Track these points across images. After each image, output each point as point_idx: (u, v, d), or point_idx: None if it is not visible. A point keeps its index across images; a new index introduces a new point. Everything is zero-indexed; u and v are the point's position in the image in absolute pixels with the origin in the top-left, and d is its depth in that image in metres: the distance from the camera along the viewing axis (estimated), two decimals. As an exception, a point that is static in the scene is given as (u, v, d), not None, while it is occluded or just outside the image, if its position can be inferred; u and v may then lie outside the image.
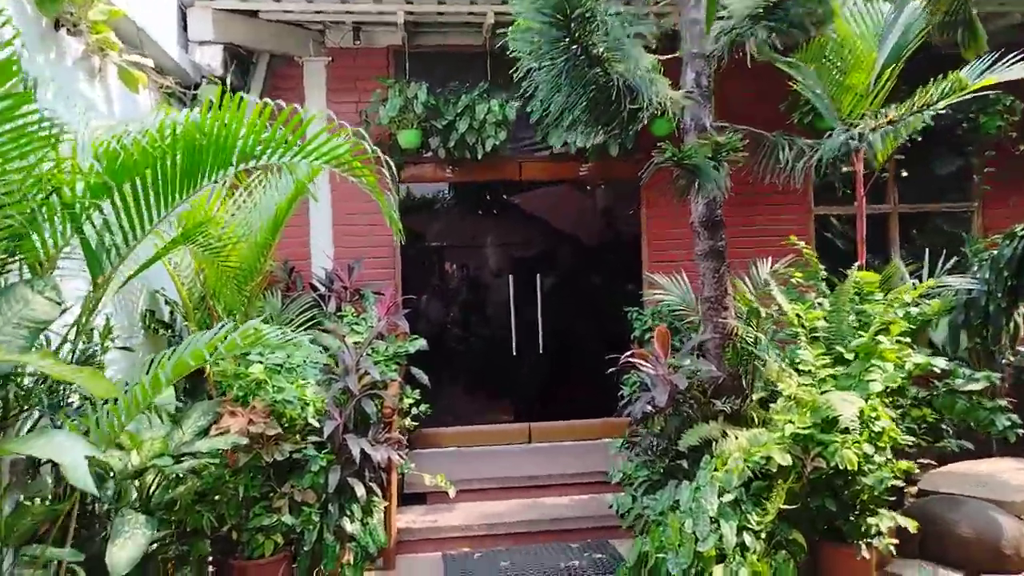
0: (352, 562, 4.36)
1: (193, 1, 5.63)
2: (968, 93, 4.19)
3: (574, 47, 3.92)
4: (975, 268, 5.16)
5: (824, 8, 4.17)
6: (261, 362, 4.15)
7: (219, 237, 3.88)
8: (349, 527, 4.27)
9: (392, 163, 6.31)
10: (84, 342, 3.37)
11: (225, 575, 4.09)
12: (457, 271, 7.11)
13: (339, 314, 5.64)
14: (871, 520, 3.94)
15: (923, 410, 4.60)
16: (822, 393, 4.06)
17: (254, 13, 5.89)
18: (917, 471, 4.27)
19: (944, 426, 4.83)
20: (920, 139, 5.29)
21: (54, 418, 3.05)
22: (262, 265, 4.65)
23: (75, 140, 3.03)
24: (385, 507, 4.69)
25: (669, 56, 4.66)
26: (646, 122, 4.72)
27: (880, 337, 4.11)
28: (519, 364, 6.81)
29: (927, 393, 4.80)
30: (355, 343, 5.01)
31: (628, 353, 4.60)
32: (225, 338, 2.82)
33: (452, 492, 5.00)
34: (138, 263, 3.23)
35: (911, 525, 3.95)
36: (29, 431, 3.02)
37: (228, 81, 5.72)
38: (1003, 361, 5.10)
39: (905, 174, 7.16)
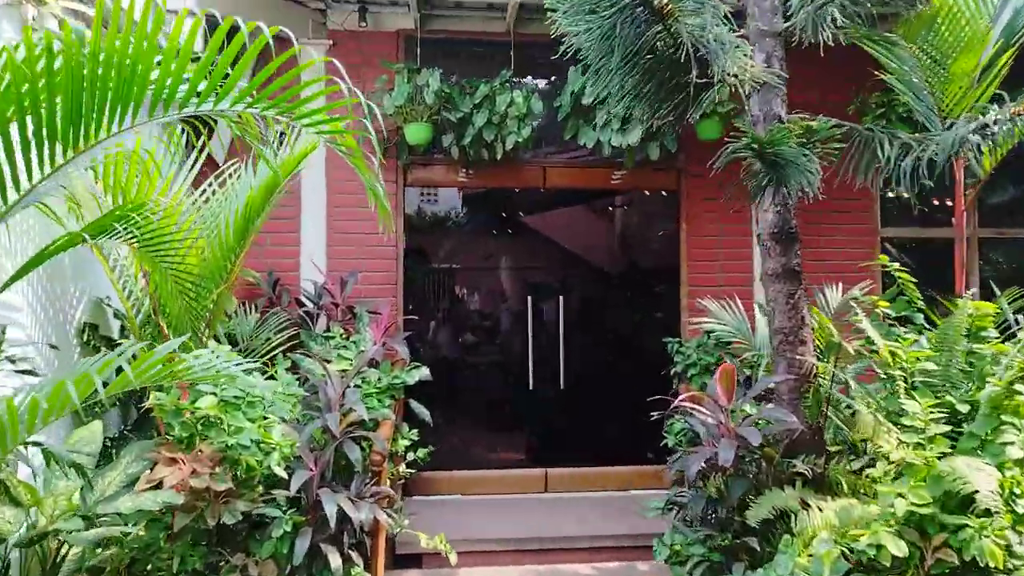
0: (323, 653, 3.38)
1: (172, -34, 4.80)
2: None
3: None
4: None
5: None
6: (214, 393, 3.20)
7: (162, 232, 2.96)
8: (320, 609, 3.30)
9: (399, 164, 5.43)
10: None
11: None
12: (468, 294, 6.17)
13: (327, 335, 4.70)
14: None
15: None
16: (940, 457, 3.07)
17: (244, -16, 5.05)
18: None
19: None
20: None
21: None
22: (229, 273, 3.73)
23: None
24: (369, 579, 3.71)
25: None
26: (693, 119, 3.81)
27: (1018, 386, 3.12)
28: (536, 400, 5.83)
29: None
30: (341, 371, 4.06)
31: (683, 396, 3.60)
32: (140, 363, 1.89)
33: (453, 558, 4.01)
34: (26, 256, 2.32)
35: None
36: None
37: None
38: None
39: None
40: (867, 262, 5.83)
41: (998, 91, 3.91)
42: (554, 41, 3.31)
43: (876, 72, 4.26)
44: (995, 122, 3.50)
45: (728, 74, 3.14)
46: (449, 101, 5.18)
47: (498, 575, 4.46)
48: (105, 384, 1.97)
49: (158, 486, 2.92)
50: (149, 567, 3.03)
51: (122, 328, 4.19)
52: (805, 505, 3.31)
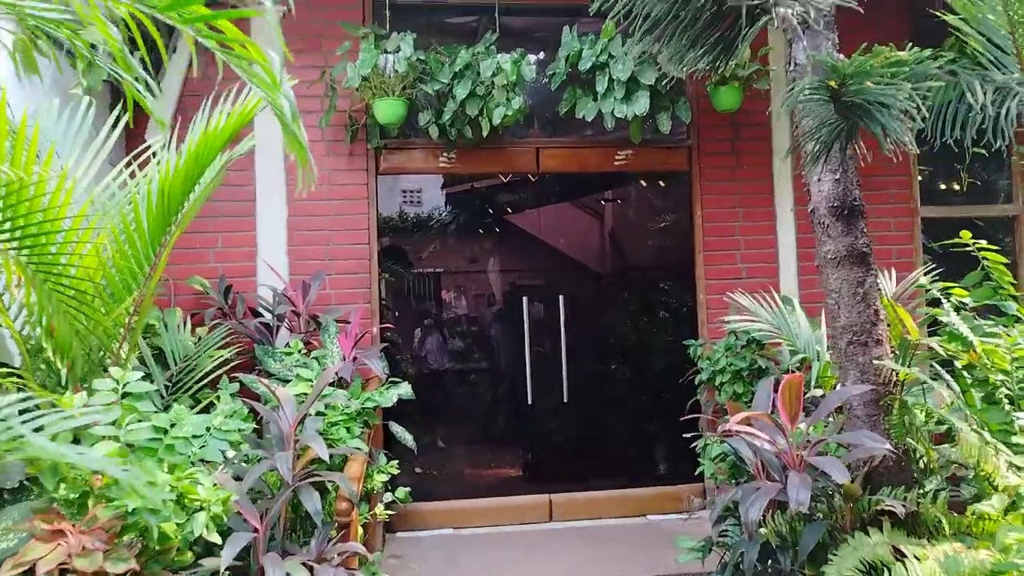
0: None
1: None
2: None
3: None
4: None
5: None
6: (116, 437, 2.36)
7: (43, 223, 2.13)
8: None
9: (369, 148, 4.60)
10: None
11: None
12: (456, 299, 5.35)
13: (287, 351, 3.85)
14: None
15: None
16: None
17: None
18: None
19: None
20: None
21: None
22: (146, 283, 2.90)
23: None
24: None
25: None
26: (732, 64, 3.03)
27: None
28: (536, 416, 5.01)
29: None
30: (299, 395, 3.23)
31: (740, 417, 2.77)
32: None
33: (444, 623, 3.20)
34: None
35: None
36: None
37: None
38: None
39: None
40: (906, 245, 5.08)
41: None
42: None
43: (935, 14, 3.49)
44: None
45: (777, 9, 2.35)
46: (425, 72, 4.37)
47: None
48: None
49: (29, 572, 2.08)
50: None
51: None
52: (898, 554, 2.53)
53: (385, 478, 3.64)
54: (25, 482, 3.06)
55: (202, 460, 2.68)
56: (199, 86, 4.10)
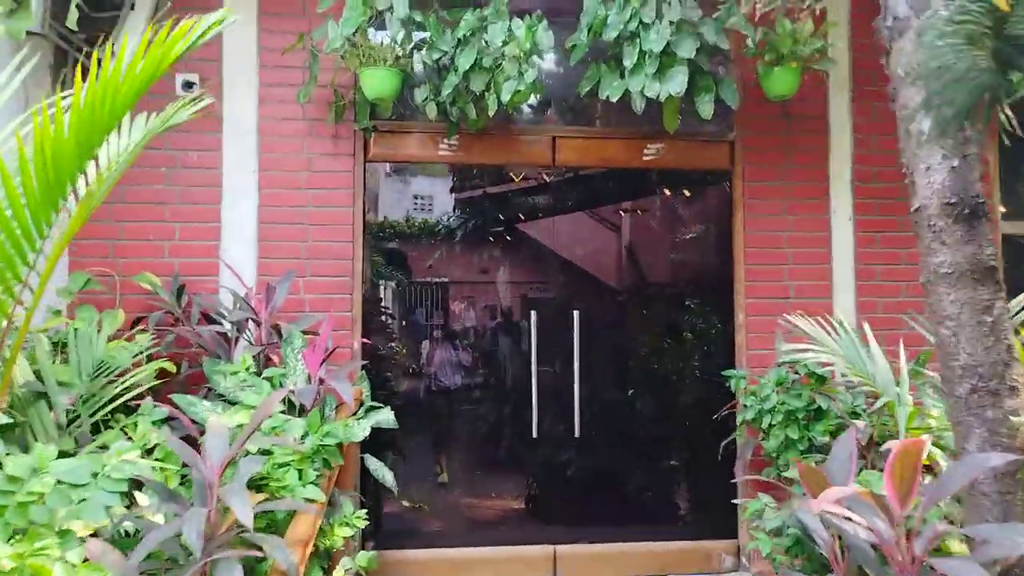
0: None
1: None
2: None
3: None
4: None
5: None
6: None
7: None
8: None
9: (357, 131, 3.88)
10: None
11: None
12: (453, 312, 4.60)
13: (233, 368, 3.10)
14: None
15: None
16: None
17: None
18: None
19: None
20: None
21: None
22: (28, 276, 2.16)
23: None
24: None
25: None
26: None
27: None
28: (541, 453, 4.24)
29: None
30: (238, 427, 2.48)
31: (833, 496, 1.96)
32: None
33: None
34: None
35: None
36: None
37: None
38: None
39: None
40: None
41: None
42: None
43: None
44: None
45: None
46: (422, 38, 3.64)
47: None
48: None
49: None
50: None
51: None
52: None
53: (350, 532, 2.87)
54: None
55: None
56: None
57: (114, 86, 2.04)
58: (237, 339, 3.56)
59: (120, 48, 2.09)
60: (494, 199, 4.62)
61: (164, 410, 2.79)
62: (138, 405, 3.07)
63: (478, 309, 4.52)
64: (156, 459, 2.39)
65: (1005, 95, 1.75)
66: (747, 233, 4.21)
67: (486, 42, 3.51)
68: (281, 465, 2.51)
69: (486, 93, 3.59)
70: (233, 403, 2.96)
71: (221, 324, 3.52)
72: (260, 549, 2.12)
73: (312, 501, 2.51)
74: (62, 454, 2.21)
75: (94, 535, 1.97)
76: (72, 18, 3.23)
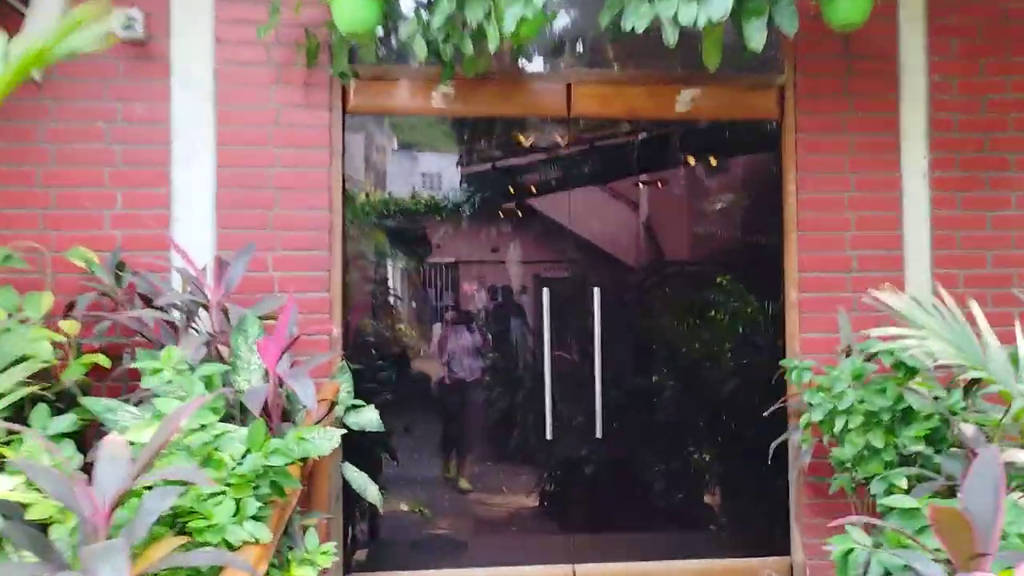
0: None
1: None
2: None
3: None
4: None
5: None
6: None
7: None
8: None
9: (331, 77, 3.19)
10: None
11: None
12: (452, 294, 3.94)
13: (155, 365, 2.44)
14: None
15: None
16: None
17: None
18: None
19: None
20: None
21: None
22: None
23: None
24: None
25: None
26: None
27: None
28: (557, 457, 3.59)
29: None
30: (132, 445, 1.83)
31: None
32: None
33: None
34: None
35: None
36: None
37: None
38: None
39: None
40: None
41: None
42: None
43: None
44: None
45: None
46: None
47: None
48: None
49: None
50: None
51: None
52: None
53: (313, 573, 2.23)
54: None
55: None
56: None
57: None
58: (188, 327, 2.92)
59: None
60: (496, 149, 3.94)
61: (69, 419, 2.15)
62: (63, 409, 2.47)
63: (489, 290, 3.85)
64: (37, 489, 1.75)
65: None
66: (800, 195, 3.50)
67: (485, -43, 2.80)
68: (210, 496, 1.87)
69: (485, 24, 2.88)
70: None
71: (166, 309, 2.87)
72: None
73: (253, 542, 1.86)
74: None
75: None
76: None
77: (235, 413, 2.42)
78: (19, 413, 2.38)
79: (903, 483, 2.38)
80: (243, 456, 1.99)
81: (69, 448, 2.04)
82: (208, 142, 3.26)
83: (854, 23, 3.09)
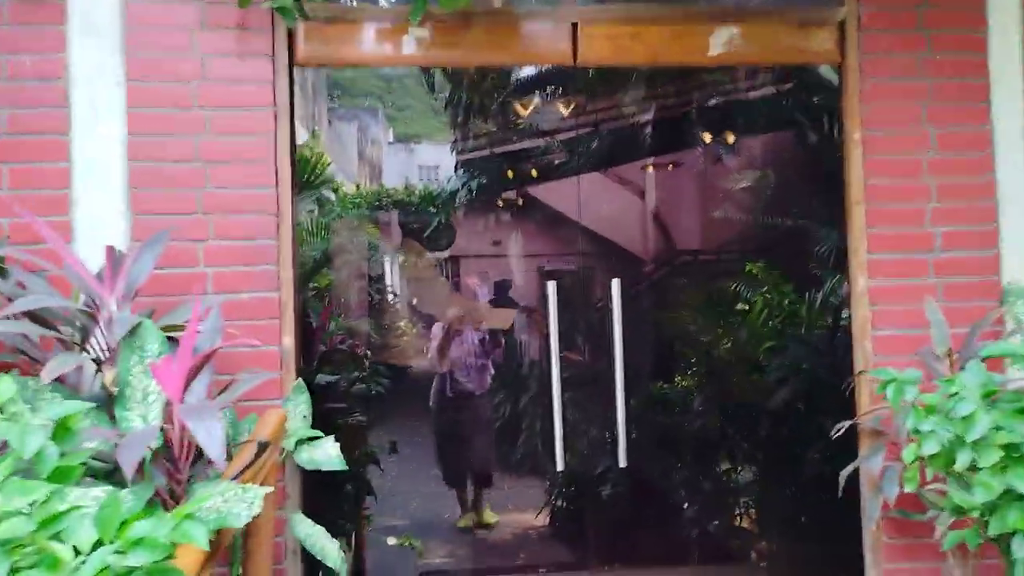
0: None
1: None
2: None
3: None
4: None
5: None
6: None
7: None
8: None
9: (276, 18, 2.46)
10: None
11: None
12: (435, 296, 3.27)
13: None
14: None
15: None
16: None
17: None
18: None
19: None
20: None
21: None
22: None
23: None
24: None
25: None
26: None
27: None
28: (570, 494, 2.88)
29: None
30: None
31: None
32: None
33: None
34: None
35: None
36: None
37: None
38: None
39: None
40: None
41: None
42: None
43: None
44: None
45: None
46: None
47: None
48: None
49: None
50: None
51: None
52: None
53: None
54: None
55: None
56: None
57: None
58: (85, 342, 2.20)
59: None
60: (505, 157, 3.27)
61: None
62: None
63: (463, 285, 3.15)
64: None
65: None
66: (868, 157, 2.77)
67: None
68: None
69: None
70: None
71: (50, 320, 2.15)
72: None
73: None
74: None
75: None
76: None
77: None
78: None
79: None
80: (94, 547, 1.28)
81: None
82: (116, 104, 2.54)
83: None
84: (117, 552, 1.25)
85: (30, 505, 1.28)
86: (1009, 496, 1.83)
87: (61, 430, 1.47)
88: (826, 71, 3.14)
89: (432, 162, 4.09)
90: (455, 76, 3.91)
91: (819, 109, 3.27)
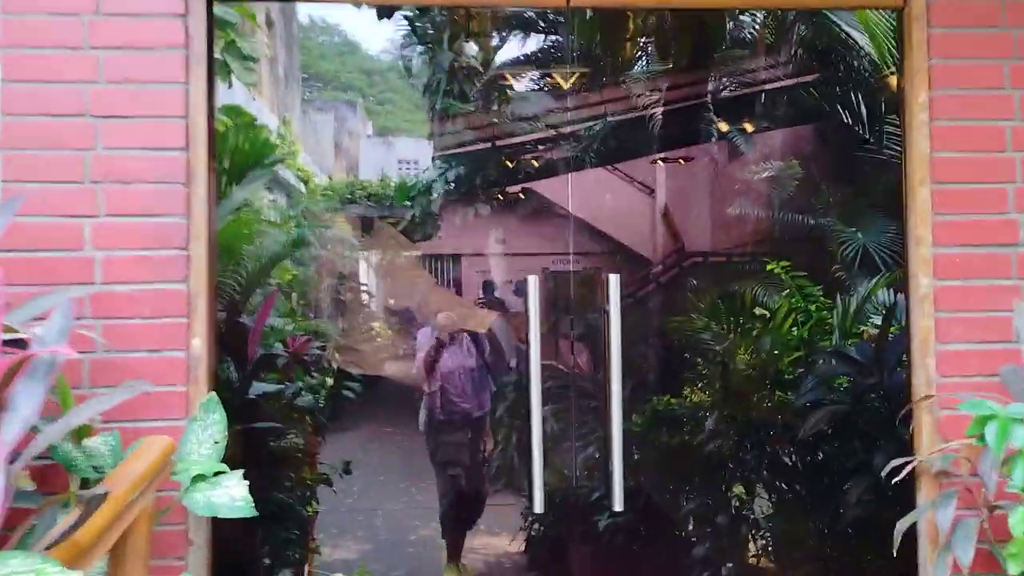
0: None
1: None
2: None
3: None
4: None
5: None
6: None
7: None
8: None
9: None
10: None
11: None
12: (398, 300, 2.76)
13: None
14: None
15: None
16: None
17: None
18: None
19: None
20: None
21: None
22: None
23: None
24: None
25: None
26: None
27: None
28: (548, 548, 2.31)
29: None
30: None
31: None
32: None
33: None
34: None
35: None
36: None
37: None
38: None
39: None
40: None
41: None
42: None
43: None
44: None
45: None
46: None
47: None
48: None
49: None
50: None
51: None
52: None
53: None
54: None
55: None
56: None
57: None
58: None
59: None
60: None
61: None
62: None
63: (426, 287, 2.62)
64: None
65: None
66: (934, 123, 2.18)
67: None
68: None
69: None
70: None
71: None
72: None
73: None
74: None
75: None
76: None
77: None
78: None
79: None
80: None
81: None
82: (-16, 40, 2.00)
83: None
84: None
85: None
86: None
87: None
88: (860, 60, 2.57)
89: (412, 156, 4.00)
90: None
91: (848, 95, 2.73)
